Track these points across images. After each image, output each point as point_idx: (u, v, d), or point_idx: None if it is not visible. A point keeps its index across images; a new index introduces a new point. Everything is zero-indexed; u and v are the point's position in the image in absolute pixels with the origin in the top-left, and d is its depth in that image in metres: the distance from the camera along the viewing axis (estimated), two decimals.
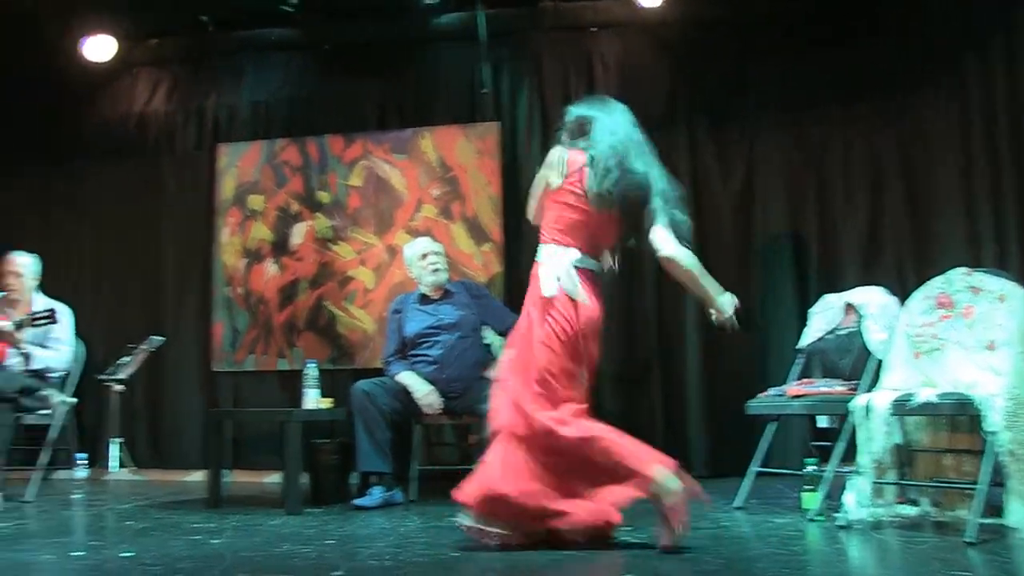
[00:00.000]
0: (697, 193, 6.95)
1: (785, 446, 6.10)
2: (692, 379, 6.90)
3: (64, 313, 6.06)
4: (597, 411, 3.93)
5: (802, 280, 6.80)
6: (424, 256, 5.93)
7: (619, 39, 7.46)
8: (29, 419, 5.92)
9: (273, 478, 6.63)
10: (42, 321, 5.78)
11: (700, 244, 6.84)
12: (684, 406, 6.90)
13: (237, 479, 6.86)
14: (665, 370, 7.01)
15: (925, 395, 4.13)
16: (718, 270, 6.78)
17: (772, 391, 5.14)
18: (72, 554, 3.90)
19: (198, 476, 6.89)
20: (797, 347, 5.42)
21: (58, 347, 6.09)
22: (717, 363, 6.87)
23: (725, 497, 5.12)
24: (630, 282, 6.95)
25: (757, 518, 4.62)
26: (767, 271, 6.92)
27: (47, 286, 6.38)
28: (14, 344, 5.82)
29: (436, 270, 5.91)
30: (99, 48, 7.85)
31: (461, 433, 6.75)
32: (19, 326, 5.77)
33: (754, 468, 5.09)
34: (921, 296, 4.64)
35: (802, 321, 5.62)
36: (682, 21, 7.24)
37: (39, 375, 5.96)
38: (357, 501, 5.31)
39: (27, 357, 5.92)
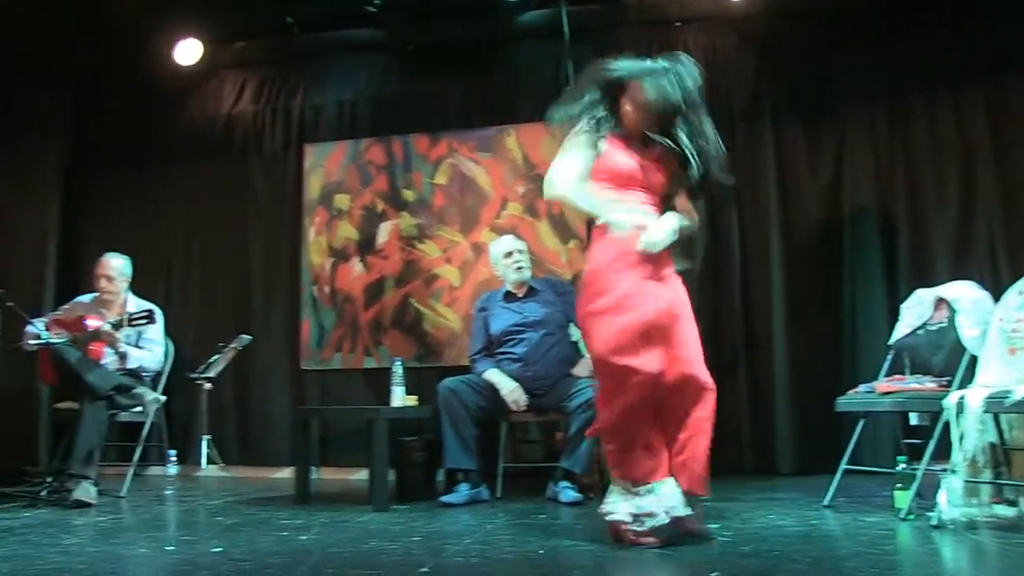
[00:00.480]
0: (784, 187, 6.92)
1: (875, 443, 6.00)
2: (779, 375, 6.79)
3: (155, 313, 6.16)
4: None
5: (892, 275, 6.66)
6: (508, 255, 5.95)
7: (704, 33, 7.38)
8: (123, 416, 6.06)
9: (360, 475, 6.68)
10: (140, 322, 5.88)
11: (788, 237, 6.85)
12: (771, 402, 6.81)
13: (324, 476, 6.93)
14: (751, 366, 6.94)
15: (1021, 392, 4.03)
16: (807, 264, 6.81)
17: (862, 387, 5.05)
18: (165, 548, 3.98)
19: (286, 473, 6.95)
20: (887, 343, 5.32)
21: (151, 347, 6.20)
22: (805, 359, 6.76)
23: (814, 495, 5.07)
24: (716, 277, 6.90)
25: (846, 516, 4.56)
26: (856, 265, 6.78)
27: (138, 286, 6.50)
28: (112, 344, 5.92)
29: (519, 268, 5.92)
30: (186, 52, 7.98)
31: (547, 430, 6.75)
32: (117, 326, 5.87)
33: (843, 466, 5.01)
34: (1016, 291, 4.53)
35: (892, 316, 5.52)
36: (767, 14, 7.14)
37: (133, 374, 6.05)
38: (443, 498, 5.34)
39: (124, 357, 6.02)
